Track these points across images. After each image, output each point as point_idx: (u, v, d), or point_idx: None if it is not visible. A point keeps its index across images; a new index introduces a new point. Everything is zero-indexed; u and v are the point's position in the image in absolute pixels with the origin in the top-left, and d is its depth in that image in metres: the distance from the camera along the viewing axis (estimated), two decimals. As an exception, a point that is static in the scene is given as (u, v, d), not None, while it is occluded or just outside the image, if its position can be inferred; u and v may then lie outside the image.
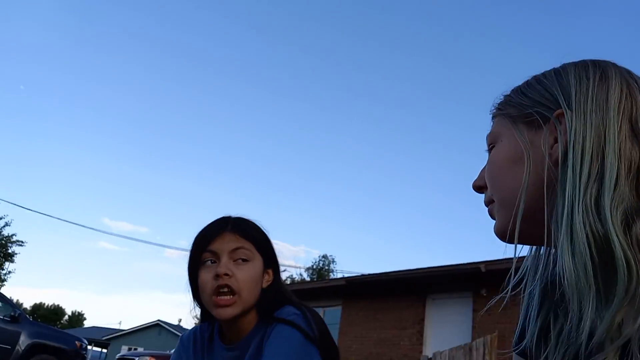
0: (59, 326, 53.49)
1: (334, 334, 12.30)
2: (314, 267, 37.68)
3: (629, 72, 0.67)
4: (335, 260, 38.66)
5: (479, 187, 0.77)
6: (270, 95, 48.86)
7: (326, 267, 37.33)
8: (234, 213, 1.30)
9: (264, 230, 1.29)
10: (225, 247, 1.20)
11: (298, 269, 37.61)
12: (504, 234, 0.70)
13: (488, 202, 0.75)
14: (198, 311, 1.30)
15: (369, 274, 12.67)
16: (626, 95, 0.64)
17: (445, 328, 10.37)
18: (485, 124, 0.80)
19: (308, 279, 35.21)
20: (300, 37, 47.68)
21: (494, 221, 0.73)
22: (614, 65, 0.68)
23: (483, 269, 9.26)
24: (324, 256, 38.11)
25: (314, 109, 48.27)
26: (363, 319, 12.03)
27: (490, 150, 0.76)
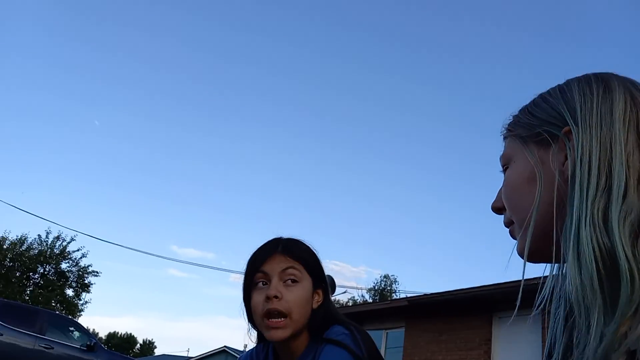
0: (131, 355, 55.16)
1: (398, 357, 12.07)
2: (376, 287, 37.27)
3: (632, 82, 0.68)
4: (397, 280, 38.16)
5: (497, 209, 0.78)
6: (325, 107, 49.24)
7: (388, 288, 36.86)
8: (286, 234, 1.33)
9: (314, 251, 1.31)
10: (275, 268, 1.23)
11: (359, 290, 37.34)
12: (522, 254, 0.71)
13: (508, 223, 0.76)
14: (255, 333, 1.33)
15: (432, 293, 12.44)
16: (630, 106, 0.64)
17: (514, 348, 9.99)
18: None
19: (370, 300, 34.83)
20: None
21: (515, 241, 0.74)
22: (617, 76, 0.69)
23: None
24: (386, 276, 37.72)
25: (374, 121, 48.26)
26: (427, 340, 11.76)
27: (504, 171, 0.77)
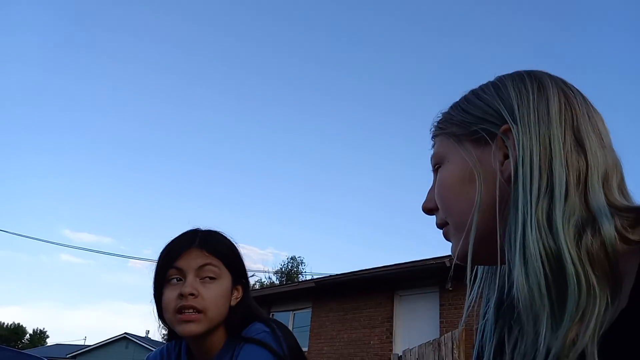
0: (19, 347, 51.59)
1: (305, 336, 12.27)
2: (283, 269, 37.53)
3: (563, 82, 0.68)
4: (304, 261, 38.65)
5: (429, 210, 0.74)
6: (231, 97, 48.47)
7: (295, 270, 37.25)
8: (203, 224, 1.25)
9: (234, 244, 1.25)
10: (191, 264, 1.16)
11: (267, 273, 37.41)
12: (462, 257, 0.67)
13: (441, 225, 0.73)
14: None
15: (337, 274, 12.71)
16: (565, 105, 0.64)
17: (414, 325, 10.49)
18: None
19: (277, 282, 35.03)
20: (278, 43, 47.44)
21: (450, 243, 0.71)
22: (549, 75, 0.68)
23: (448, 264, 9.41)
24: (293, 258, 38.03)
25: (278, 108, 48.14)
26: (333, 320, 12.04)
27: (436, 171, 0.74)
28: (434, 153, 0.75)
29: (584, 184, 0.60)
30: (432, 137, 0.76)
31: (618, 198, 0.60)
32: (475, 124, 0.68)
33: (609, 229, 0.56)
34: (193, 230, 1.23)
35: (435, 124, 0.76)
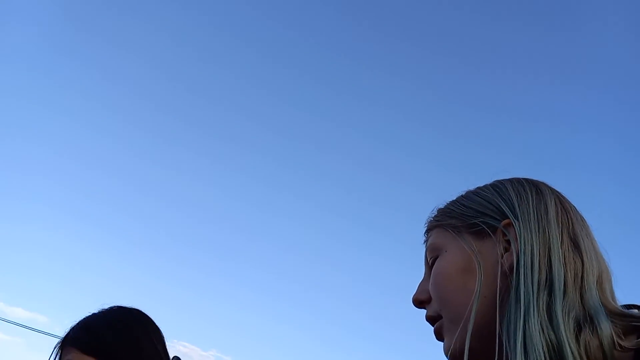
0: None
1: None
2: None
3: (558, 192, 0.73)
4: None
5: (420, 302, 0.74)
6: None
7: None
8: (124, 302, 1.20)
9: (120, 332, 1.14)
10: None
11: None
12: (458, 354, 0.66)
13: (432, 319, 0.72)
14: None
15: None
16: (561, 209, 0.69)
17: None
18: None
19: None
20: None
21: (443, 341, 0.70)
22: (546, 184, 0.73)
23: None
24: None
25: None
26: None
27: (431, 263, 0.74)
28: (430, 244, 0.76)
29: (580, 282, 0.63)
30: (427, 231, 0.78)
31: (611, 302, 0.63)
32: (475, 217, 0.71)
33: (607, 328, 0.58)
34: (71, 327, 1.18)
35: (432, 217, 0.78)
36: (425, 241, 0.78)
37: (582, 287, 0.62)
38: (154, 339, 1.17)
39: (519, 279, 0.62)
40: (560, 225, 0.67)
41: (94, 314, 1.19)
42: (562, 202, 0.70)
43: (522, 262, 0.63)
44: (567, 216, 0.68)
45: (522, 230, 0.66)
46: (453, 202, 0.77)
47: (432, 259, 0.75)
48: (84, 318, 1.18)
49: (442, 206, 0.78)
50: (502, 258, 0.66)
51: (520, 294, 0.61)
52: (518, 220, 0.67)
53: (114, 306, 1.21)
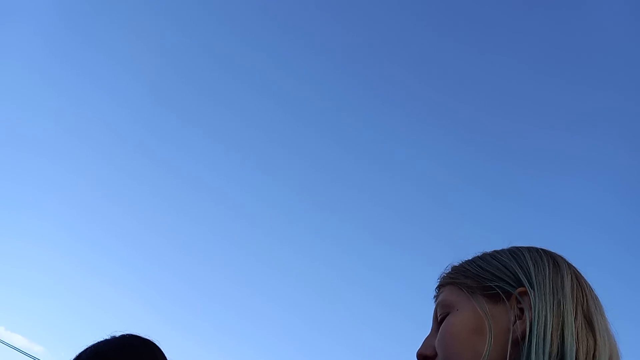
0: None
1: None
2: None
3: (575, 268, 0.73)
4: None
5: (425, 357, 0.74)
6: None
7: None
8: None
9: (128, 358, 1.15)
10: None
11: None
12: None
13: None
14: None
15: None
16: (577, 285, 0.69)
17: None
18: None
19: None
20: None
21: None
22: (563, 258, 0.74)
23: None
24: None
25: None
26: None
27: (441, 320, 0.75)
28: (441, 300, 0.76)
29: None
30: (439, 287, 0.78)
31: None
32: (490, 280, 0.71)
33: None
34: (85, 350, 1.16)
35: (445, 274, 0.78)
36: (436, 296, 0.78)
37: None
38: None
39: (530, 348, 0.63)
40: (575, 300, 0.67)
41: (105, 340, 1.18)
42: (578, 278, 0.71)
43: (534, 332, 0.63)
44: (583, 293, 0.69)
45: (537, 300, 0.66)
46: (469, 262, 0.77)
47: (442, 316, 0.74)
48: (95, 343, 1.17)
49: (457, 264, 0.78)
50: (514, 325, 0.66)
51: None
52: (534, 289, 0.67)
53: (126, 334, 1.20)
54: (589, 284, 0.72)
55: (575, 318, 0.65)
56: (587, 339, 0.64)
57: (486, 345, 0.66)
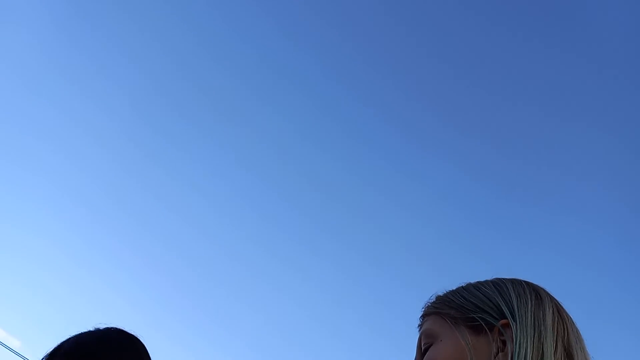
0: None
1: None
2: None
3: (557, 301, 0.75)
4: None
5: None
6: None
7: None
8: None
9: (111, 350, 1.12)
10: None
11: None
12: None
13: None
14: None
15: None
16: (558, 318, 0.70)
17: None
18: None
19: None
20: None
21: None
22: (545, 290, 0.75)
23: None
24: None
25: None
26: None
27: (425, 349, 0.76)
28: (425, 330, 0.77)
29: None
30: (423, 316, 0.80)
31: None
32: (474, 311, 0.73)
33: None
34: (67, 340, 1.14)
35: (430, 303, 0.80)
36: (420, 325, 0.79)
37: None
38: None
39: None
40: (556, 333, 0.68)
41: (88, 332, 1.16)
42: (560, 311, 0.72)
43: None
44: (564, 326, 0.70)
45: (518, 333, 0.67)
46: (453, 293, 0.78)
47: (425, 346, 0.76)
48: (78, 335, 1.15)
49: (441, 294, 0.79)
50: (495, 357, 0.68)
51: None
52: (516, 322, 0.68)
53: (111, 327, 1.18)
54: (570, 317, 0.73)
55: (556, 351, 0.67)
56: None
57: None
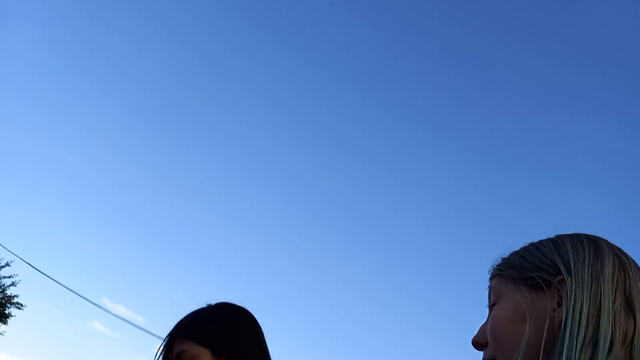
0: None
1: None
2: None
3: (619, 249, 0.75)
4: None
5: (478, 344, 0.80)
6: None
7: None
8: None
9: (229, 323, 1.22)
10: (174, 353, 1.18)
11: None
12: None
13: None
14: None
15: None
16: (618, 268, 0.71)
17: None
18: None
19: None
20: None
21: None
22: (606, 241, 0.76)
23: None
24: None
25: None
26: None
27: (491, 307, 0.80)
28: (492, 289, 0.81)
29: (630, 343, 0.65)
30: (490, 278, 0.84)
31: None
32: (532, 270, 0.75)
33: None
34: (181, 320, 1.23)
35: (495, 265, 0.83)
36: (489, 286, 0.83)
37: (631, 349, 0.65)
38: (260, 336, 1.25)
39: (565, 333, 0.66)
40: (615, 284, 0.69)
41: (204, 308, 1.24)
42: (621, 262, 0.72)
43: (569, 319, 0.67)
44: (625, 276, 0.70)
45: (574, 287, 0.69)
46: (515, 254, 0.81)
47: (492, 303, 0.80)
48: (196, 311, 1.23)
49: (505, 256, 0.83)
50: (553, 312, 0.70)
51: (563, 348, 0.65)
52: (572, 277, 0.70)
53: (222, 302, 1.28)
54: (633, 264, 0.72)
55: (614, 301, 0.67)
56: (626, 321, 0.66)
57: (526, 332, 0.71)
